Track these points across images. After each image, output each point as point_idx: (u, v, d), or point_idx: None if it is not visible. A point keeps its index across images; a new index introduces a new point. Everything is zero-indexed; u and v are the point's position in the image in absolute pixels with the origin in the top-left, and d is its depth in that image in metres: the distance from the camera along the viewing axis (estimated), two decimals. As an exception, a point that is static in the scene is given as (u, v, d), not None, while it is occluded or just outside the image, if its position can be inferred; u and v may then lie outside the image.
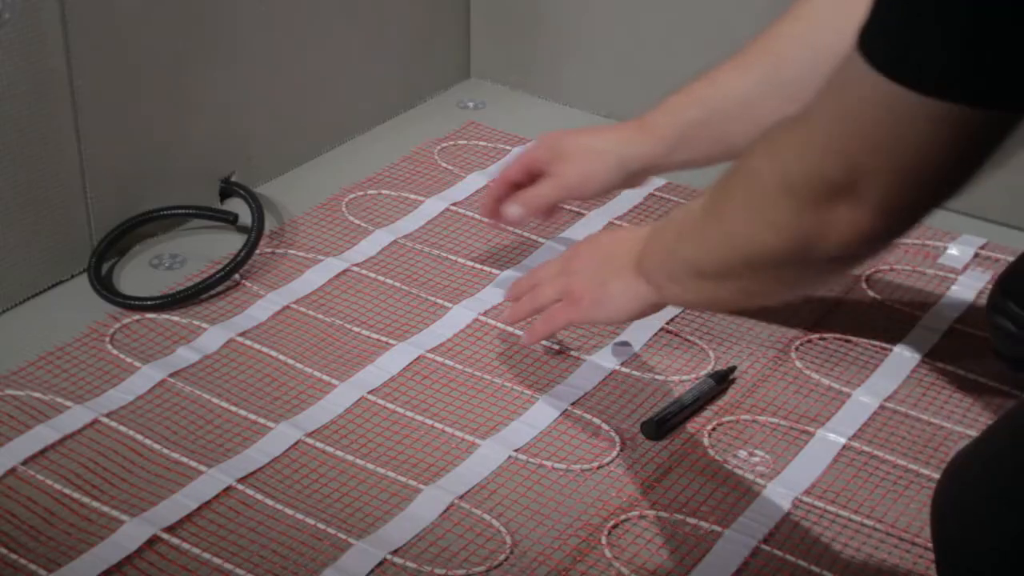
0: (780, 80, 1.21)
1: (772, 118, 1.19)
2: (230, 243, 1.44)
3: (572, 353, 1.28)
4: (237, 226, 1.45)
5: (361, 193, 1.54)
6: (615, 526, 1.09)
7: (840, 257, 0.90)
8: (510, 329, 1.32)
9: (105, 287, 1.35)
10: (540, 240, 1.46)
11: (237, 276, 1.38)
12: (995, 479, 0.87)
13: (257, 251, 1.40)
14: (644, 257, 1.10)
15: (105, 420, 1.18)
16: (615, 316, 1.15)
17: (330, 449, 1.16)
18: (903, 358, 1.29)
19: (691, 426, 1.20)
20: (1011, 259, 1.32)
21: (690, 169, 1.26)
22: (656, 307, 1.13)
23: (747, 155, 0.95)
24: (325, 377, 1.25)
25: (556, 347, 1.28)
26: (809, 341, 1.31)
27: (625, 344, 1.30)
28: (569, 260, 1.17)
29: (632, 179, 1.26)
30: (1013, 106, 0.78)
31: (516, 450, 1.16)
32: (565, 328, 1.24)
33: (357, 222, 1.48)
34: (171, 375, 1.23)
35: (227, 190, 1.52)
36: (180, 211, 1.46)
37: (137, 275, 1.39)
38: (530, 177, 1.28)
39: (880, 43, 0.79)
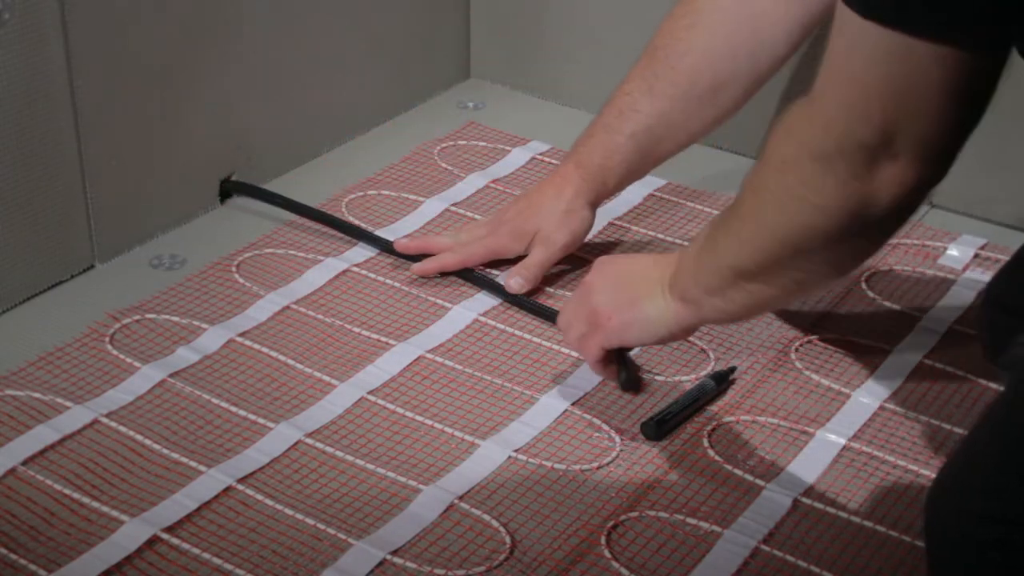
0: (697, 94, 1.30)
1: (697, 126, 1.32)
2: (230, 243, 1.44)
3: (572, 353, 1.28)
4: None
5: (361, 193, 1.54)
6: (615, 526, 1.09)
7: (892, 216, 0.91)
8: (510, 330, 1.32)
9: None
10: (540, 240, 1.46)
11: (233, 269, 1.39)
12: (981, 476, 0.87)
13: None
14: (677, 277, 1.09)
15: (105, 420, 1.18)
16: (646, 338, 1.14)
17: (330, 449, 1.16)
18: (903, 358, 1.28)
19: (691, 426, 1.20)
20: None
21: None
22: (688, 331, 1.13)
23: (768, 150, 0.96)
24: (325, 377, 1.24)
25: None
26: (809, 341, 1.31)
27: None
28: (588, 286, 1.17)
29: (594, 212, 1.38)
30: (1003, 45, 0.84)
31: (516, 450, 1.16)
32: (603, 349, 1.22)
33: (357, 222, 1.48)
34: (171, 375, 1.23)
35: (227, 191, 1.52)
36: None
37: (137, 275, 1.39)
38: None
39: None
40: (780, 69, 1.32)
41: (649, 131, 1.32)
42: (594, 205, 1.37)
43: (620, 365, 1.20)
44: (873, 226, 0.92)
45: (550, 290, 1.37)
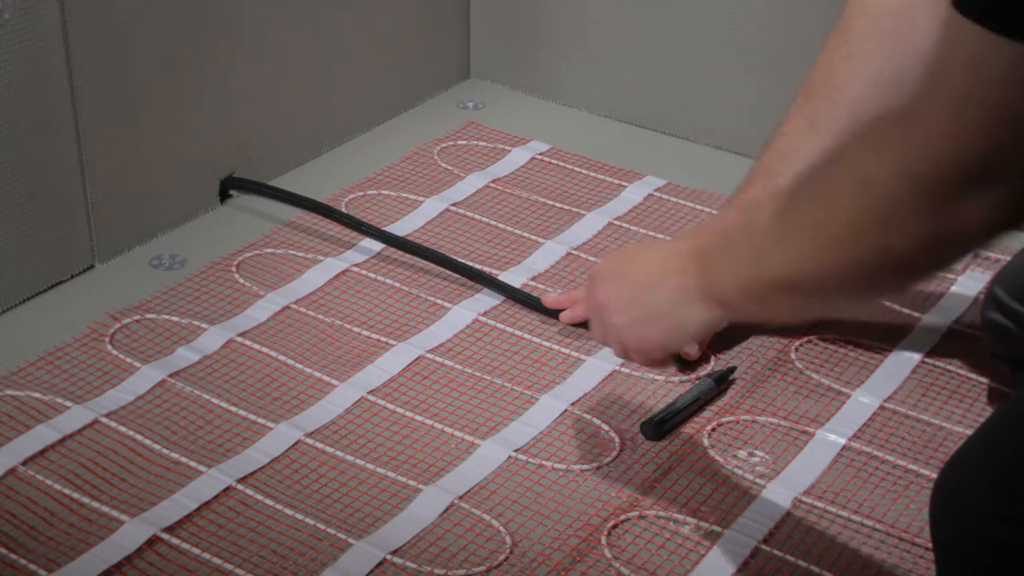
0: None
1: None
2: (231, 242, 1.44)
3: (572, 353, 1.29)
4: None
5: (361, 193, 1.54)
6: (615, 526, 1.09)
7: (981, 244, 0.84)
8: (510, 330, 1.32)
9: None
10: (540, 240, 1.46)
11: (234, 269, 1.39)
12: (990, 474, 0.87)
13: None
14: (709, 277, 1.01)
15: (105, 420, 1.18)
16: (683, 340, 1.12)
17: (330, 449, 1.16)
18: (903, 358, 1.28)
19: (691, 426, 1.20)
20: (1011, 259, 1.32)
21: None
22: (717, 327, 1.15)
23: (846, 160, 0.89)
24: (325, 377, 1.25)
25: None
26: (809, 341, 1.31)
27: None
28: (599, 306, 1.09)
29: None
30: None
31: (516, 450, 1.16)
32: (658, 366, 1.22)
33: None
34: (171, 375, 1.23)
35: (226, 190, 1.52)
36: None
37: (137, 275, 1.39)
38: None
39: (1004, 7, 0.75)
40: None
41: None
42: None
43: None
44: (957, 254, 0.86)
45: (560, 290, 1.37)
